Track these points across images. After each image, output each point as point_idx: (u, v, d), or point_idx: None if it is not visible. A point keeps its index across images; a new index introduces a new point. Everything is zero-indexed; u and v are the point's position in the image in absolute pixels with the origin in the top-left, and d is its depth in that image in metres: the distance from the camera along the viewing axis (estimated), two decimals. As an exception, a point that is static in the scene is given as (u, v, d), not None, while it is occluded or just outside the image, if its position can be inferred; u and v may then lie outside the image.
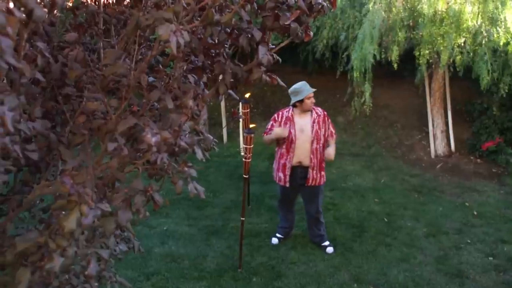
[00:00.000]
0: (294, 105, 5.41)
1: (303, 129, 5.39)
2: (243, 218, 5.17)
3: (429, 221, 6.56)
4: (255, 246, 5.67)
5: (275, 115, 5.55)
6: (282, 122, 5.44)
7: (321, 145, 5.44)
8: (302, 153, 5.40)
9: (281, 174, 5.51)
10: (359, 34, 8.20)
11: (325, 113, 5.56)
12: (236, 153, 9.01)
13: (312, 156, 5.39)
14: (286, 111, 5.50)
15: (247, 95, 5.67)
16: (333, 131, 5.59)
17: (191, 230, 6.02)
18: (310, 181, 5.47)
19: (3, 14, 0.88)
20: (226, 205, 6.88)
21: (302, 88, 5.30)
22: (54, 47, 2.04)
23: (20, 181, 2.25)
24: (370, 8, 8.11)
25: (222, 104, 9.43)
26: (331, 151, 5.45)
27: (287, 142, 5.40)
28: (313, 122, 5.40)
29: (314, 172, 5.45)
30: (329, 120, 5.55)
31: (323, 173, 5.53)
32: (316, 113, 5.46)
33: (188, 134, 1.63)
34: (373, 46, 7.95)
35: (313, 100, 5.38)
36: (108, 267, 2.06)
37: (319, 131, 5.40)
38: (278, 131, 5.37)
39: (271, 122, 5.52)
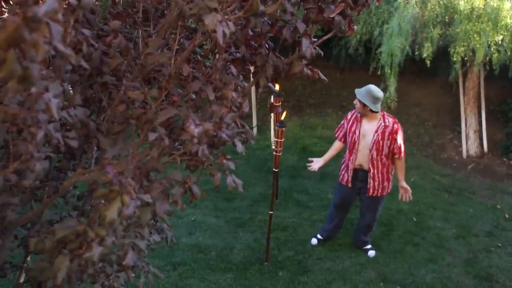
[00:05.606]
0: (371, 110, 4.97)
1: (365, 135, 5.08)
2: (272, 212, 5.12)
3: (459, 222, 6.44)
4: (282, 240, 5.64)
5: (348, 114, 5.30)
6: (350, 121, 5.20)
7: (383, 156, 5.07)
8: (362, 157, 5.14)
9: (345, 174, 5.31)
10: (389, 28, 8.05)
11: (397, 126, 5.04)
12: (266, 146, 8.95)
13: (371, 165, 5.11)
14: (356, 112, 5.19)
15: (277, 88, 5.60)
16: (400, 148, 5.05)
17: (218, 222, 6.03)
18: (371, 191, 5.21)
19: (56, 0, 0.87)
20: (254, 198, 6.86)
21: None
22: (93, 35, 2.04)
23: (55, 168, 2.27)
24: (401, 2, 7.95)
25: (253, 96, 9.37)
26: (404, 185, 5.26)
27: (350, 143, 5.20)
28: (376, 131, 5.02)
29: (376, 182, 5.17)
30: (398, 135, 5.04)
31: (386, 183, 5.22)
32: (384, 122, 5.03)
33: (229, 126, 1.61)
34: (401, 40, 7.78)
35: None
36: (141, 257, 2.07)
37: (381, 142, 5.00)
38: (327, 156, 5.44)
39: (343, 121, 5.34)
